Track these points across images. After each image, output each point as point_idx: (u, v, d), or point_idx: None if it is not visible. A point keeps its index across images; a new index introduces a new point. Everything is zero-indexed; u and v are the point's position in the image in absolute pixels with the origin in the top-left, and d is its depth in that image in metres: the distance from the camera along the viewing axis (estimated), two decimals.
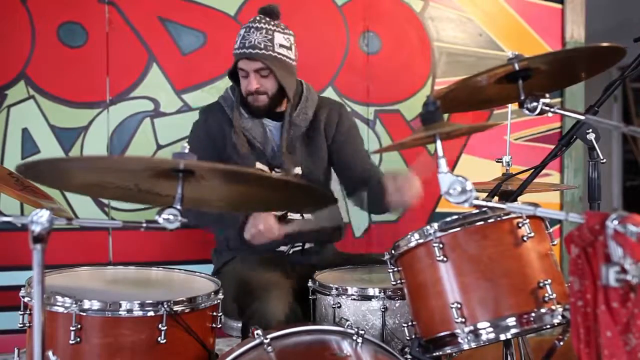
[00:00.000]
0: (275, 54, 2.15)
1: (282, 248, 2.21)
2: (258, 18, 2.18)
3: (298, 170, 2.24)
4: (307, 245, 2.25)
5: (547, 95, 1.52)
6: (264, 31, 2.14)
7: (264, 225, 1.97)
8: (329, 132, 2.34)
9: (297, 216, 2.21)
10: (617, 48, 1.52)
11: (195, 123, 2.37)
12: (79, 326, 1.51)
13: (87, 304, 1.52)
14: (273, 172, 2.20)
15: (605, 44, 1.50)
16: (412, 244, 1.57)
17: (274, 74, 2.15)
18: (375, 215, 3.22)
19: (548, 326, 1.51)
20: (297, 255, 2.24)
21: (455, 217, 1.53)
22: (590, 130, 1.69)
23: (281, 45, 2.16)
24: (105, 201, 3.06)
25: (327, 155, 2.34)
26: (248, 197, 1.50)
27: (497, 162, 2.27)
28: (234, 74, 2.25)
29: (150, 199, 1.47)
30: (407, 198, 1.94)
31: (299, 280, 2.08)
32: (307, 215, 2.23)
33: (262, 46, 2.12)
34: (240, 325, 2.06)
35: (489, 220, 1.52)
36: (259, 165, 2.20)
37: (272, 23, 2.17)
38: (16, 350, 1.65)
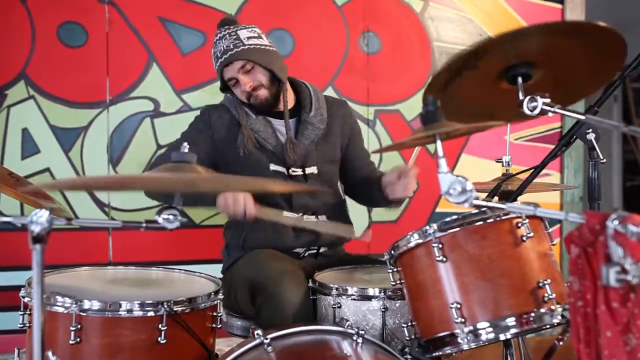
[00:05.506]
0: (247, 46, 2.17)
1: (298, 250, 2.21)
2: (218, 31, 2.23)
3: (314, 169, 2.23)
4: (321, 250, 2.24)
5: (547, 95, 1.52)
6: (227, 35, 2.18)
7: (233, 197, 1.95)
8: (345, 130, 2.35)
9: (312, 218, 2.21)
10: None
11: (197, 117, 2.31)
12: (79, 326, 1.50)
13: (87, 304, 1.52)
14: (290, 171, 2.18)
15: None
16: (412, 244, 1.57)
17: (256, 64, 2.17)
18: (376, 208, 3.29)
19: (548, 326, 1.51)
20: (310, 258, 2.22)
21: (454, 217, 1.52)
22: (590, 130, 1.68)
23: (249, 38, 2.19)
24: (105, 201, 3.06)
25: (340, 154, 2.35)
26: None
27: (497, 162, 2.27)
28: (228, 89, 2.27)
29: None
30: (408, 189, 2.09)
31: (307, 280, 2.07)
32: (321, 217, 2.22)
33: (232, 47, 2.16)
34: (242, 324, 2.08)
35: (488, 220, 1.51)
36: (273, 167, 2.18)
37: (231, 27, 2.21)
38: (16, 350, 1.65)
